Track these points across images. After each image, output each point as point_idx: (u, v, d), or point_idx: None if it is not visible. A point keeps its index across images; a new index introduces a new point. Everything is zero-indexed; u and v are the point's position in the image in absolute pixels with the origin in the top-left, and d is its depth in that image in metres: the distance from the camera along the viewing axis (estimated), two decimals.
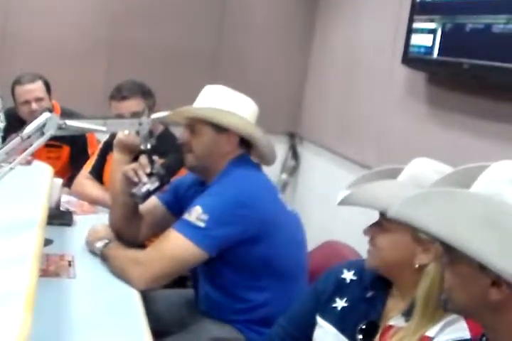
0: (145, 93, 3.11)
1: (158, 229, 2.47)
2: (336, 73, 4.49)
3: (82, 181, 3.29)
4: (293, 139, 5.14)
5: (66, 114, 3.54)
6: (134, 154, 2.73)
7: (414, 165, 1.68)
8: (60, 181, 2.90)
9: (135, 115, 2.98)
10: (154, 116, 2.47)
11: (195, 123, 2.32)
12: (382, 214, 1.65)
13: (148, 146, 2.35)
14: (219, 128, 2.30)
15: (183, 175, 2.54)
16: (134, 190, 2.31)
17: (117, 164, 2.69)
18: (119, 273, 2.22)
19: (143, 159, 2.35)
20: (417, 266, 1.62)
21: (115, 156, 2.81)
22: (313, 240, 2.48)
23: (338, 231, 4.03)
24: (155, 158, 2.36)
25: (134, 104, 3.04)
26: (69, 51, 4.69)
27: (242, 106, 2.34)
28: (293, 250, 2.32)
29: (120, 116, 2.99)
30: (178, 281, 2.49)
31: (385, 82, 3.72)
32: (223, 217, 2.16)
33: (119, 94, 3.07)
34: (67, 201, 3.11)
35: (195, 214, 2.16)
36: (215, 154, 2.32)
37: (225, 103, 2.32)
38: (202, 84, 2.44)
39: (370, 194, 1.62)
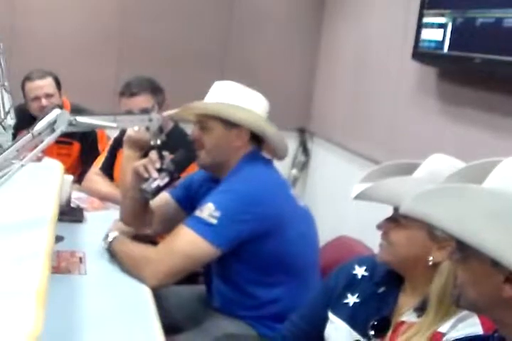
0: (154, 89, 3.11)
1: (170, 225, 2.47)
2: (345, 69, 4.48)
3: (92, 177, 3.29)
4: (303, 135, 5.14)
5: (76, 110, 3.52)
6: (144, 150, 2.73)
7: (431, 161, 1.67)
8: (70, 178, 2.91)
9: (144, 111, 2.98)
10: (165, 113, 2.47)
11: (205, 119, 2.32)
12: (398, 210, 1.65)
13: (158, 142, 2.35)
14: (229, 124, 2.30)
15: (195, 171, 2.54)
16: (144, 186, 2.31)
17: (127, 160, 2.69)
18: (130, 270, 2.23)
19: (153, 155, 2.35)
20: (431, 263, 1.61)
21: (125, 152, 2.81)
22: (323, 235, 2.48)
23: (349, 226, 4.03)
24: (165, 153, 2.36)
25: (143, 100, 3.04)
26: (79, 47, 4.69)
27: (252, 101, 2.34)
28: (305, 246, 2.32)
29: (130, 113, 2.99)
30: (190, 277, 2.49)
31: (395, 78, 3.70)
32: (236, 214, 2.16)
33: (129, 90, 3.07)
34: (78, 197, 3.12)
35: (208, 211, 2.16)
36: (226, 150, 2.32)
37: (235, 98, 2.31)
38: (211, 81, 2.43)
39: (389, 189, 1.61)
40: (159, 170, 2.32)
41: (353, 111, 4.29)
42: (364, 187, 1.65)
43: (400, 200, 1.54)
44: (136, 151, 2.72)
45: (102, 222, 2.63)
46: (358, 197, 1.67)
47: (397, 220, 1.67)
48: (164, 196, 2.49)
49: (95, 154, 3.55)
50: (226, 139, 2.32)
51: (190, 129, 2.48)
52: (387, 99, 3.80)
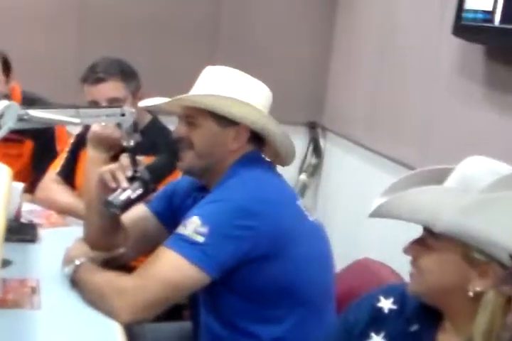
0: (126, 74, 3.11)
1: (148, 245, 2.47)
2: (367, 48, 4.48)
3: (48, 185, 3.30)
4: (314, 131, 5.14)
5: (29, 100, 3.53)
6: (113, 150, 2.73)
7: (465, 165, 1.67)
8: (20, 186, 2.90)
9: (113, 102, 2.99)
10: (142, 104, 2.46)
11: (193, 113, 2.32)
12: (427, 229, 1.65)
13: (132, 143, 2.34)
14: (224, 121, 2.31)
15: (179, 178, 2.54)
16: (111, 198, 2.30)
17: (92, 164, 2.69)
18: (97, 302, 2.22)
19: (124, 159, 2.35)
20: (471, 294, 1.61)
21: (90, 154, 2.81)
22: (339, 257, 2.48)
23: (371, 246, 4.03)
24: (139, 158, 2.36)
25: (111, 88, 3.05)
26: (30, 20, 4.68)
27: (252, 92, 2.34)
28: (317, 270, 2.32)
29: (95, 104, 3.00)
30: (172, 311, 2.49)
31: (431, 58, 3.70)
32: (227, 230, 2.16)
33: (93, 75, 3.07)
34: (30, 211, 3.12)
35: (192, 227, 2.16)
36: (220, 152, 2.33)
37: (232, 88, 2.31)
38: (196, 61, 2.45)
39: (411, 203, 1.61)
40: (131, 179, 2.32)
41: (378, 101, 4.29)
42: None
43: (427, 217, 1.55)
44: (102, 152, 2.72)
45: (61, 242, 2.62)
46: (374, 214, 1.67)
47: (426, 242, 1.67)
48: (140, 209, 2.50)
49: (52, 155, 3.54)
50: (220, 139, 2.32)
51: (172, 124, 2.48)
52: (421, 86, 3.80)
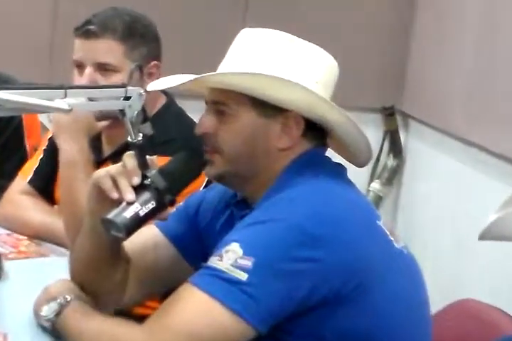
0: (132, 34, 3.09)
1: (159, 284, 2.48)
2: (469, 8, 4.48)
3: (16, 198, 3.32)
4: (391, 120, 5.15)
5: None
6: (90, 133, 2.86)
7: None
8: None
9: (102, 69, 3.00)
10: (151, 87, 2.46)
11: (225, 100, 2.34)
12: None
13: (140, 137, 2.33)
14: (268, 109, 2.32)
15: (205, 189, 2.56)
16: (111, 215, 2.28)
17: (71, 163, 2.76)
18: None
19: (129, 160, 2.32)
20: None
21: (62, 146, 2.86)
22: (431, 297, 2.49)
23: (475, 281, 4.02)
24: (150, 158, 2.35)
25: (103, 49, 3.05)
26: None
27: (310, 64, 2.35)
28: (408, 321, 2.31)
29: (78, 66, 3.03)
30: None
31: None
32: (280, 263, 2.15)
33: (86, 26, 3.05)
34: None
35: (231, 258, 2.15)
36: (263, 153, 2.34)
37: (279, 61, 2.32)
38: (226, 29, 2.45)
39: None
40: (139, 188, 2.31)
41: (485, 77, 4.28)
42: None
43: None
44: (79, 141, 2.78)
45: (36, 279, 2.65)
46: (485, 236, 1.68)
47: None
48: (150, 232, 2.50)
49: (20, 156, 3.59)
50: (262, 135, 2.34)
51: (195, 111, 2.50)
52: None
